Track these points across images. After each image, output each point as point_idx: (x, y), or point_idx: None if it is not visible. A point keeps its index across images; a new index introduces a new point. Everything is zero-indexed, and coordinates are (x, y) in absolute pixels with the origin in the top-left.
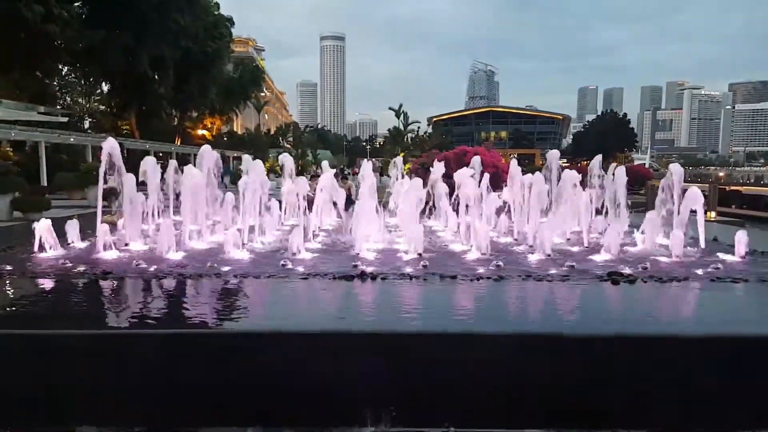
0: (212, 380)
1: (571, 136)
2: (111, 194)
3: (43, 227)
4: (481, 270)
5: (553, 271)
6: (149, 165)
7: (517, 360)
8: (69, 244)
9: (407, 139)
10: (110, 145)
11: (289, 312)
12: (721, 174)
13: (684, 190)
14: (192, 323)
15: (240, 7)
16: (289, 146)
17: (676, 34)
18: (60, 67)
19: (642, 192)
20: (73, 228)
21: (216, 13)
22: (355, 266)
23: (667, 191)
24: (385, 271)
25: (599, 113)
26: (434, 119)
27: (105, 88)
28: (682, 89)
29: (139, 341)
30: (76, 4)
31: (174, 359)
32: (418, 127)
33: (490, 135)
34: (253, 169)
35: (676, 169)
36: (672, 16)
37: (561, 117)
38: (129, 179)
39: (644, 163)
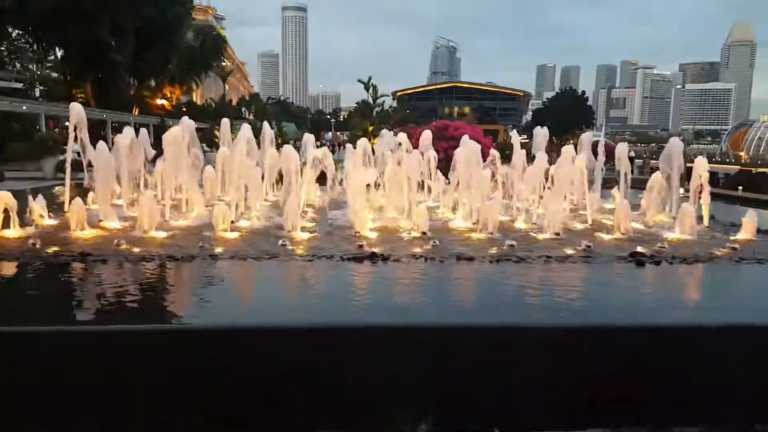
0: (221, 381)
1: (530, 113)
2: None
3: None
4: (494, 250)
5: (571, 252)
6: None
7: (573, 355)
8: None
9: (375, 113)
10: (77, 113)
11: (301, 301)
12: None
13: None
14: (192, 317)
15: None
16: (253, 118)
17: (634, 16)
18: (9, 30)
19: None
20: (39, 203)
21: None
22: (360, 246)
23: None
24: (394, 251)
25: (557, 91)
26: (399, 93)
27: (59, 54)
28: (635, 68)
29: (122, 337)
30: None
31: (175, 357)
32: (383, 101)
33: (453, 110)
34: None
35: (675, 143)
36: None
37: (522, 94)
38: (101, 150)
39: (598, 140)
